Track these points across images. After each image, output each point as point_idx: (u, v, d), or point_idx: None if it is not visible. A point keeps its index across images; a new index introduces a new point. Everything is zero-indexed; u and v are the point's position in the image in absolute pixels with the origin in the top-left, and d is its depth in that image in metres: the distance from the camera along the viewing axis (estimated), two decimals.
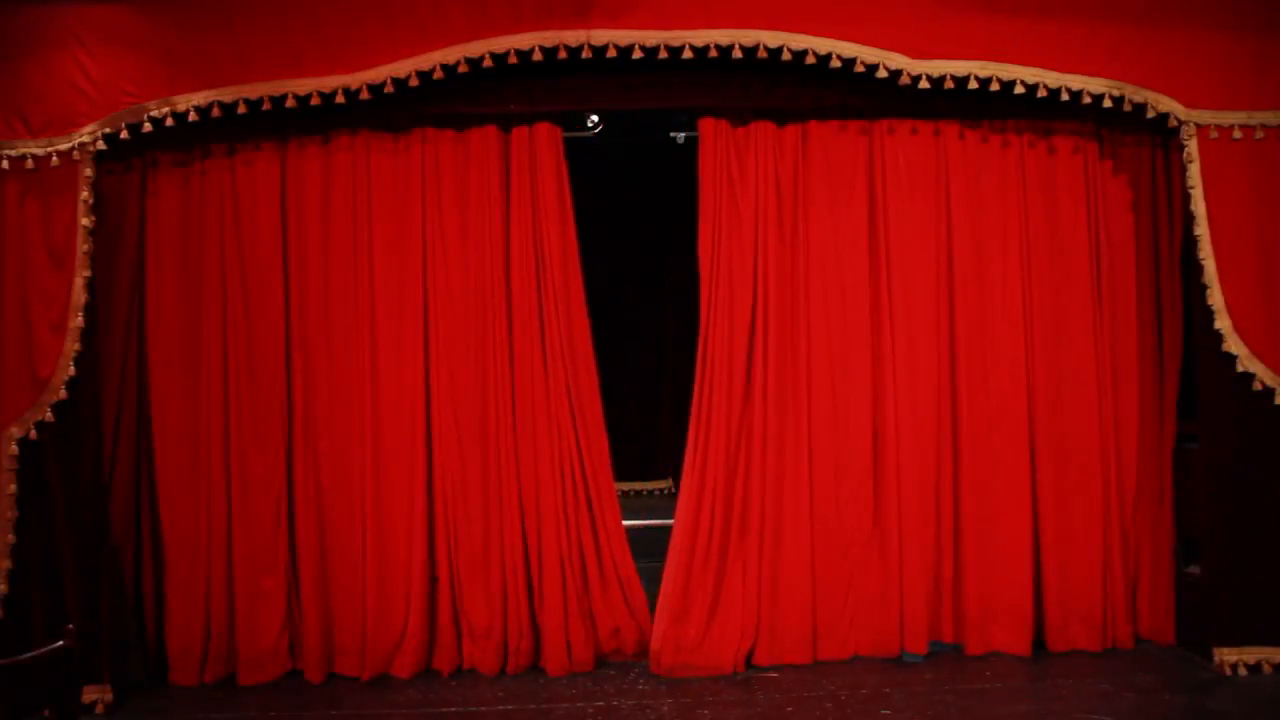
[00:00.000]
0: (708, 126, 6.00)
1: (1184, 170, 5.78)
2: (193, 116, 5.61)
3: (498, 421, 5.91)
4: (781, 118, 6.02)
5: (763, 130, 6.00)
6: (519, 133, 5.97)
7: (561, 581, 5.82)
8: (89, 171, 5.56)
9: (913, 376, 5.97)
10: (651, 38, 5.58)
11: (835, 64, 5.63)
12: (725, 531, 5.89)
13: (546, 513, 5.86)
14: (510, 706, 5.40)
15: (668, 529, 8.36)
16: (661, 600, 5.84)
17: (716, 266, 5.96)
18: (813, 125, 6.04)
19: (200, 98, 5.60)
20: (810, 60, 5.62)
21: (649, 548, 8.23)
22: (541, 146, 5.96)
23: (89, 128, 5.56)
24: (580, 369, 5.97)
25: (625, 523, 8.40)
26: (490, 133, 5.96)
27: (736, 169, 5.98)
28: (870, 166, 6.04)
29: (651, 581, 7.60)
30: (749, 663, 5.82)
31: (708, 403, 5.93)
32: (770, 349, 5.93)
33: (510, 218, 5.96)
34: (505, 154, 5.99)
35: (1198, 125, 5.71)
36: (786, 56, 5.62)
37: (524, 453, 5.91)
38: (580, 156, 9.15)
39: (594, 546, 5.90)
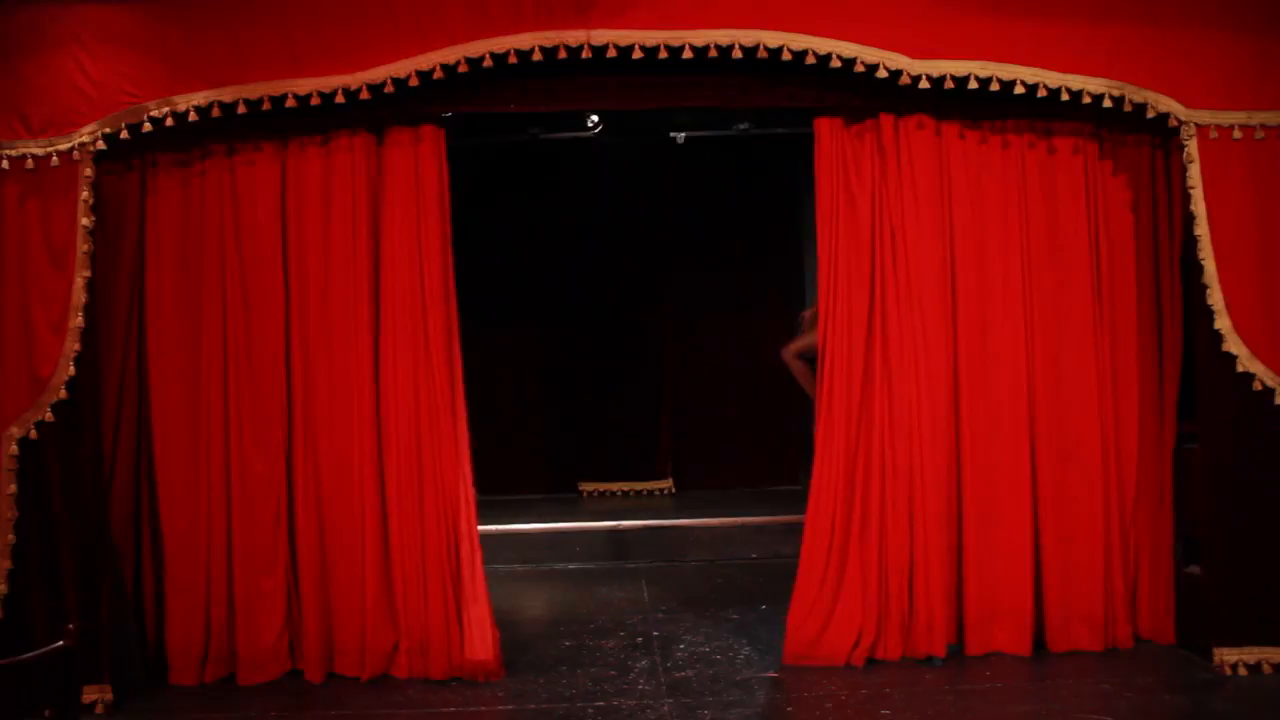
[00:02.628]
0: (824, 125, 5.98)
1: (1184, 170, 5.77)
2: (193, 116, 5.60)
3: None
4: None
5: (871, 128, 5.99)
6: (400, 134, 5.92)
7: (441, 585, 5.80)
8: (89, 171, 5.56)
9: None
10: (652, 38, 5.57)
11: (835, 64, 5.63)
12: (846, 531, 5.91)
13: (430, 515, 5.85)
14: (510, 707, 5.41)
15: (667, 530, 8.44)
16: (794, 596, 5.92)
17: (835, 264, 5.96)
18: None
19: (200, 98, 5.59)
20: (810, 60, 5.61)
21: (648, 549, 8.27)
22: (425, 148, 5.89)
23: (89, 128, 5.56)
24: (457, 373, 5.94)
25: (627, 523, 8.48)
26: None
27: (854, 168, 5.97)
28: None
29: (652, 582, 7.63)
30: (869, 658, 5.83)
31: (828, 405, 5.94)
32: (889, 346, 5.94)
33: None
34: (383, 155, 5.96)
35: (1198, 125, 5.70)
36: (787, 56, 5.62)
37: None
38: (580, 156, 9.25)
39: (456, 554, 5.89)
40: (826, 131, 5.99)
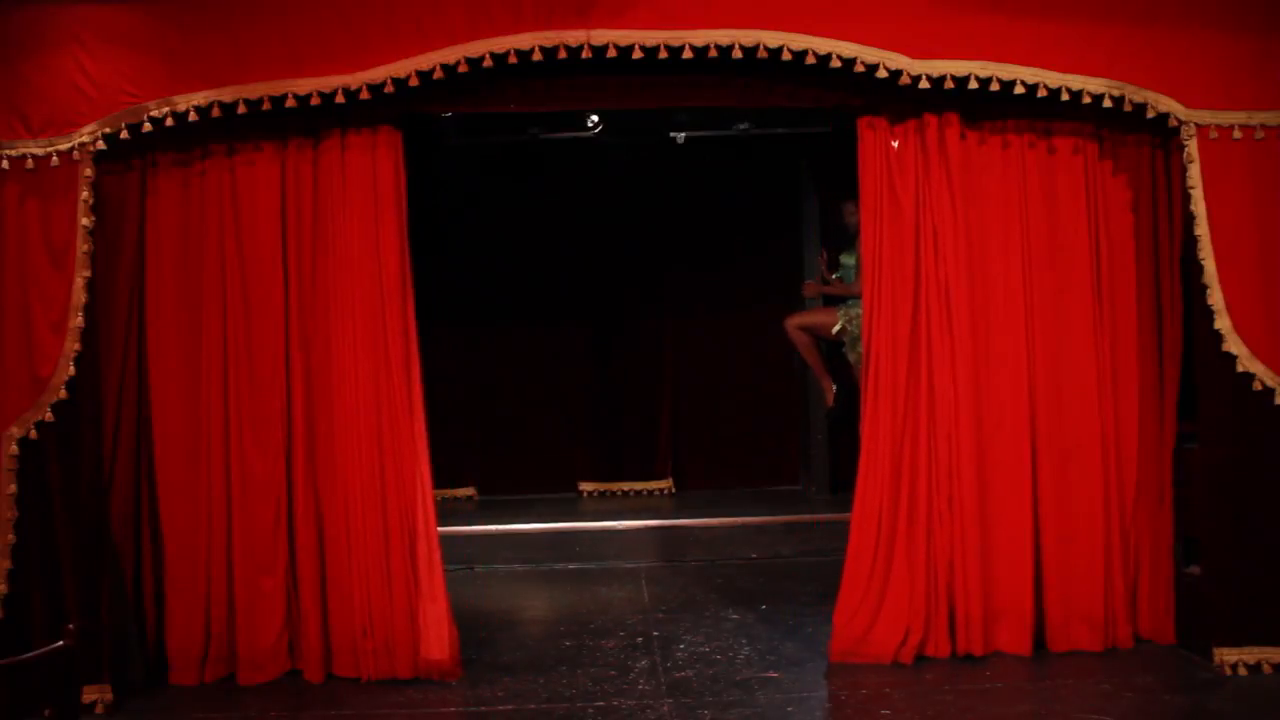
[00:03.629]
0: (866, 125, 5.98)
1: (1184, 170, 5.77)
2: (193, 116, 5.60)
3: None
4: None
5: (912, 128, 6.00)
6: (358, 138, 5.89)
7: (405, 585, 5.81)
8: (89, 171, 5.56)
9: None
10: (652, 38, 5.57)
11: (835, 64, 5.63)
12: (892, 528, 5.90)
13: (392, 515, 5.85)
14: (510, 707, 5.40)
15: (667, 530, 8.44)
16: (841, 592, 5.92)
17: (879, 263, 5.96)
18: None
19: (200, 98, 5.59)
20: (810, 60, 5.61)
21: (648, 549, 8.27)
22: (382, 151, 5.87)
23: (89, 128, 5.56)
24: (414, 372, 5.92)
25: (627, 523, 8.48)
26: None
27: (897, 168, 5.97)
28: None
29: (652, 582, 7.63)
30: (918, 655, 5.84)
31: (874, 401, 5.95)
32: (932, 345, 5.93)
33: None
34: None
35: (1198, 125, 5.69)
36: (787, 56, 5.61)
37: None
38: (580, 156, 9.25)
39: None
40: (869, 132, 5.98)
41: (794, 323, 8.39)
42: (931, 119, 5.94)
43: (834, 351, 8.44)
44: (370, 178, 5.88)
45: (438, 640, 5.78)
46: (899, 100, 5.88)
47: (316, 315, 5.91)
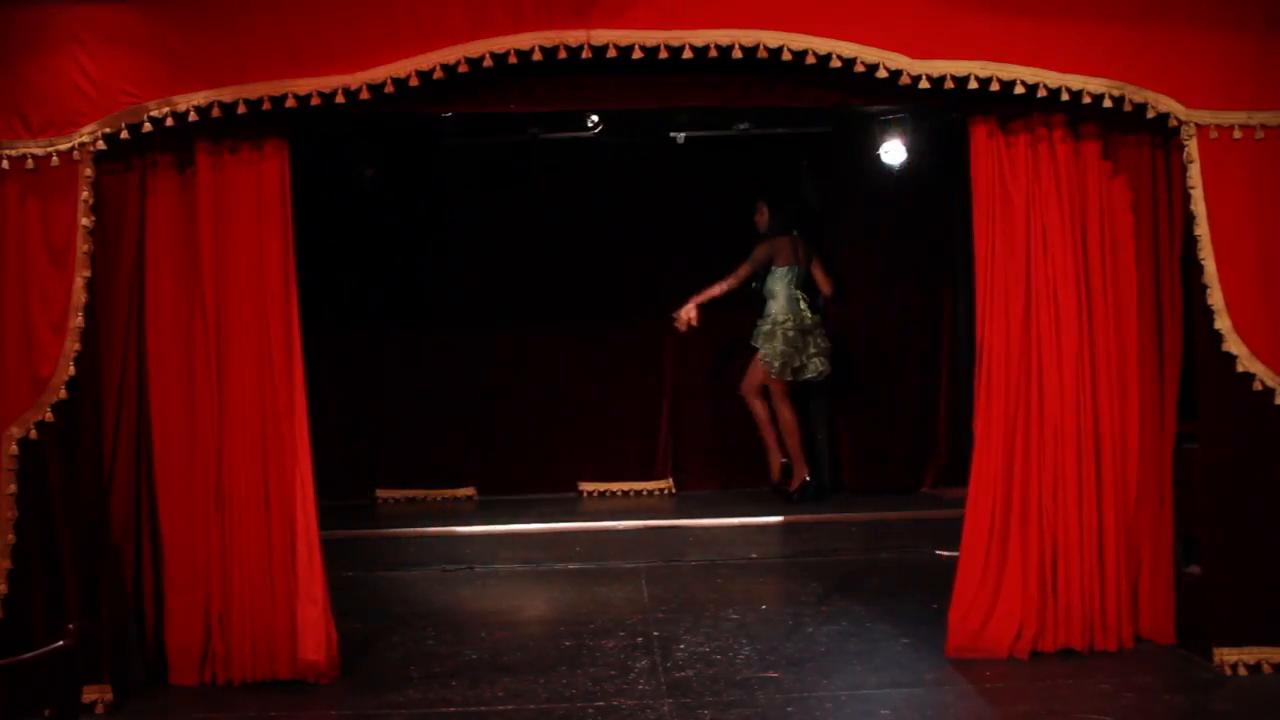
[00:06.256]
0: (979, 125, 5.97)
1: (1184, 170, 5.77)
2: (193, 116, 5.59)
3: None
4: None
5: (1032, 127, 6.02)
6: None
7: (286, 586, 5.80)
8: (89, 171, 5.56)
9: None
10: (652, 38, 5.57)
11: (835, 64, 5.63)
12: (1005, 527, 5.91)
13: (275, 517, 5.83)
14: (510, 706, 5.41)
15: (667, 530, 8.44)
16: (955, 589, 5.96)
17: (992, 264, 5.97)
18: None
19: (200, 98, 5.59)
20: (810, 60, 5.61)
21: (648, 549, 8.27)
22: (269, 164, 5.81)
23: (89, 128, 5.55)
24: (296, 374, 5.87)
25: (627, 523, 8.48)
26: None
27: (1009, 168, 5.96)
28: None
29: (652, 582, 7.63)
30: (1033, 650, 5.86)
31: (986, 399, 5.96)
32: (1043, 344, 5.92)
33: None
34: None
35: (1198, 125, 5.69)
36: (787, 56, 5.61)
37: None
38: (580, 156, 9.25)
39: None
40: (983, 132, 5.97)
41: (750, 393, 9.03)
42: (1039, 117, 5.94)
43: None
44: (254, 190, 5.81)
45: (315, 642, 5.76)
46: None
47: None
